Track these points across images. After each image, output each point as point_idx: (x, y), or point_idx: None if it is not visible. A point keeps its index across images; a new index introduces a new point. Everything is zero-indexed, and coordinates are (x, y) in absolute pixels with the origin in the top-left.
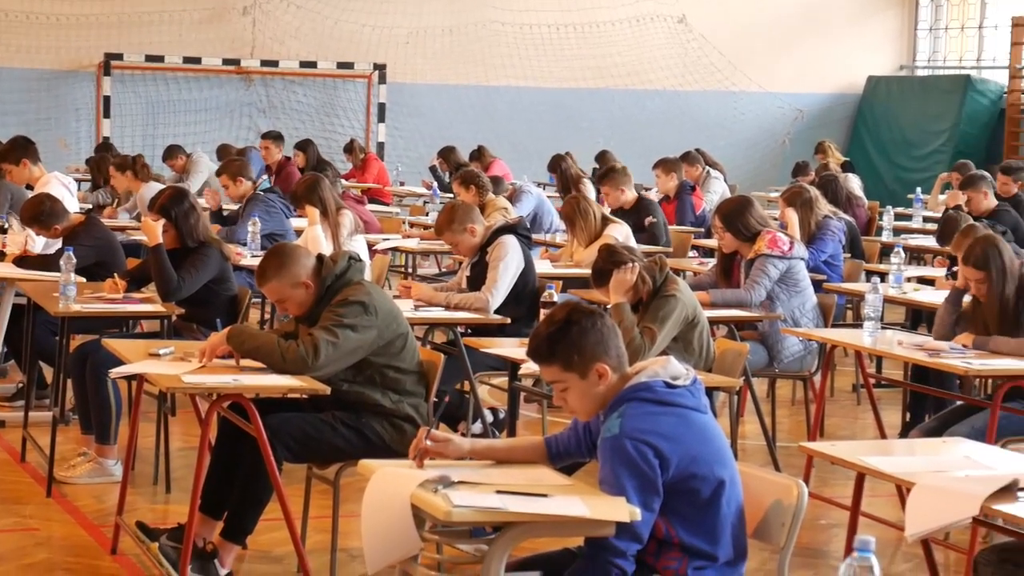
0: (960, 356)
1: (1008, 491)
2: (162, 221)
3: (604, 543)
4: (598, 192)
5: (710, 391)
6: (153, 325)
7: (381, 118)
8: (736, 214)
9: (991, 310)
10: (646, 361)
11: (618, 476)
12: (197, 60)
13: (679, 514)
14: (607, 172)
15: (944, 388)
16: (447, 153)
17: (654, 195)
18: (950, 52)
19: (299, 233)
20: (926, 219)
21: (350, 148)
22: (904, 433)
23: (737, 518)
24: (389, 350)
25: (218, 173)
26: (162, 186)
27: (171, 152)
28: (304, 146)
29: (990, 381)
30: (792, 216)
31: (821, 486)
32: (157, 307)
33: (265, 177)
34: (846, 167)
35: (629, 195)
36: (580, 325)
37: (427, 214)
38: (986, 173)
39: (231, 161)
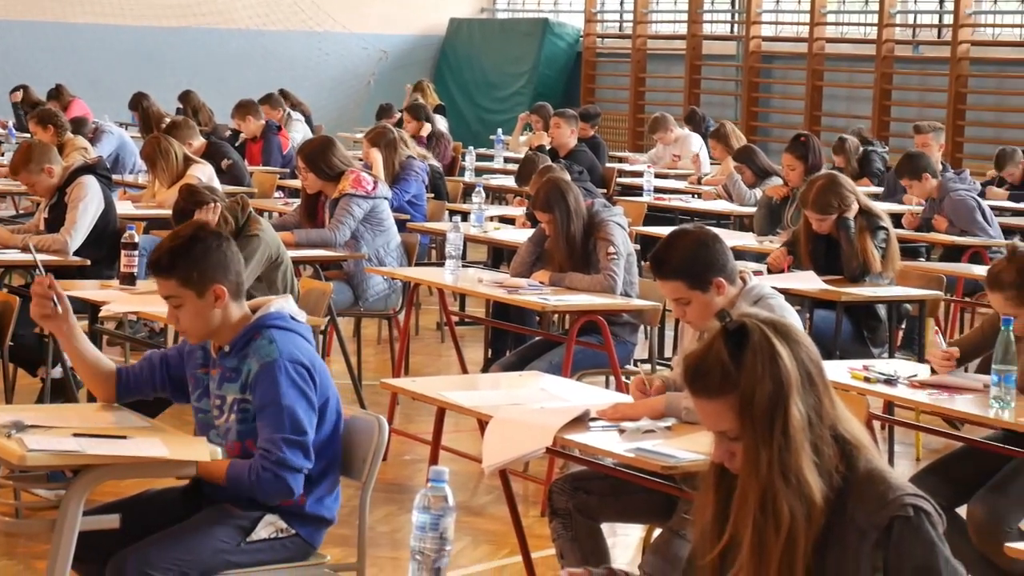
0: (537, 293)
1: (580, 422)
2: None
3: (280, 459)
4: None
5: None
6: None
7: None
8: (319, 154)
9: (560, 249)
10: (267, 297)
11: (285, 397)
12: None
13: None
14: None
15: (524, 324)
16: (24, 92)
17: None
18: None
19: None
20: (507, 160)
21: None
22: (486, 369)
23: (340, 457)
24: None
25: None
26: None
27: None
28: None
29: (567, 316)
30: (376, 156)
31: (407, 423)
32: None
33: None
34: (439, 110)
35: (198, 142)
36: (205, 243)
37: (2, 154)
38: (575, 113)
39: None
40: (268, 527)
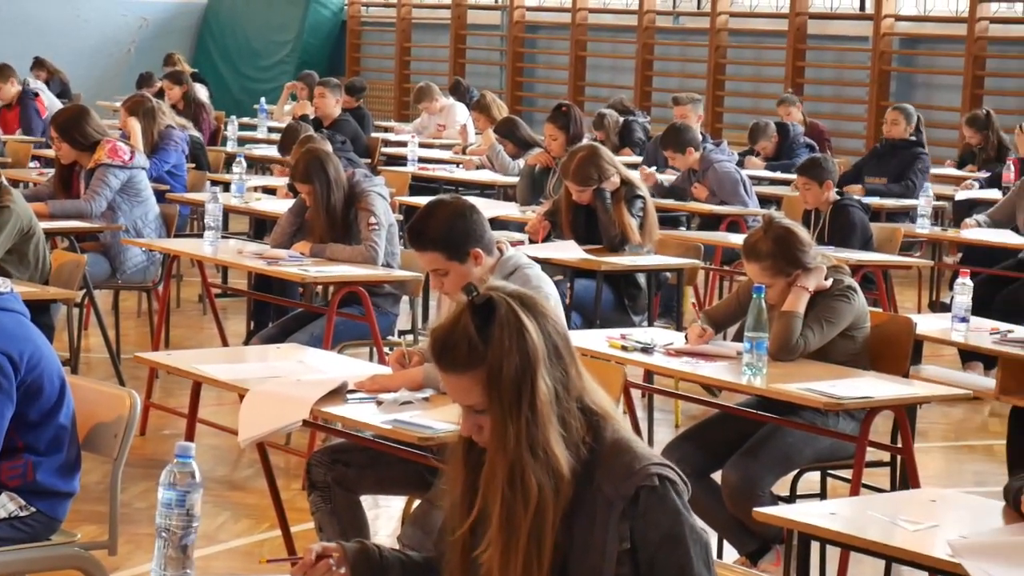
0: (298, 264)
1: (338, 394)
2: None
3: None
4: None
5: (49, 304)
6: None
7: None
8: (72, 123)
9: (320, 220)
10: None
11: None
12: None
13: (26, 418)
14: None
15: (287, 296)
16: None
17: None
18: None
19: None
20: (271, 129)
21: None
22: (247, 341)
23: (73, 425)
24: None
25: None
26: None
27: None
28: None
29: (329, 288)
30: (134, 125)
31: (167, 397)
32: None
33: None
34: (195, 77)
35: None
36: None
37: None
38: (339, 83)
39: None
40: (7, 506)
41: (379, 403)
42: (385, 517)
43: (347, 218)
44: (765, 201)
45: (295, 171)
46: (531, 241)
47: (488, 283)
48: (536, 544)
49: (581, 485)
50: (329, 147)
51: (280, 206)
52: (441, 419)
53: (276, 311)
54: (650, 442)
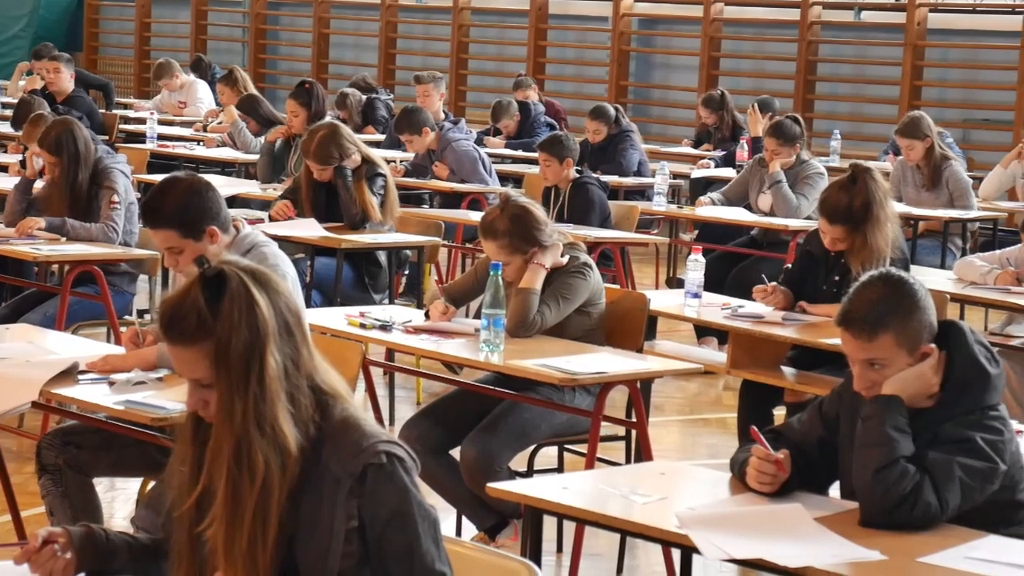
0: (31, 244)
1: (69, 375)
2: None
3: None
4: None
5: None
6: None
7: None
8: None
9: (62, 195)
10: None
11: None
12: None
13: None
14: None
15: (23, 275)
16: None
17: None
18: None
19: None
20: (6, 105)
21: None
22: None
23: None
24: None
25: None
26: None
27: None
28: None
29: (65, 267)
30: None
31: None
32: None
33: None
34: None
35: None
36: None
37: None
38: (69, 56)
39: None
40: None
41: (112, 384)
42: (122, 499)
43: (89, 195)
44: (507, 179)
45: (44, 140)
46: (270, 219)
47: (221, 257)
48: (261, 520)
49: (309, 463)
50: None
51: (13, 184)
52: (175, 399)
53: (11, 291)
54: (391, 420)
